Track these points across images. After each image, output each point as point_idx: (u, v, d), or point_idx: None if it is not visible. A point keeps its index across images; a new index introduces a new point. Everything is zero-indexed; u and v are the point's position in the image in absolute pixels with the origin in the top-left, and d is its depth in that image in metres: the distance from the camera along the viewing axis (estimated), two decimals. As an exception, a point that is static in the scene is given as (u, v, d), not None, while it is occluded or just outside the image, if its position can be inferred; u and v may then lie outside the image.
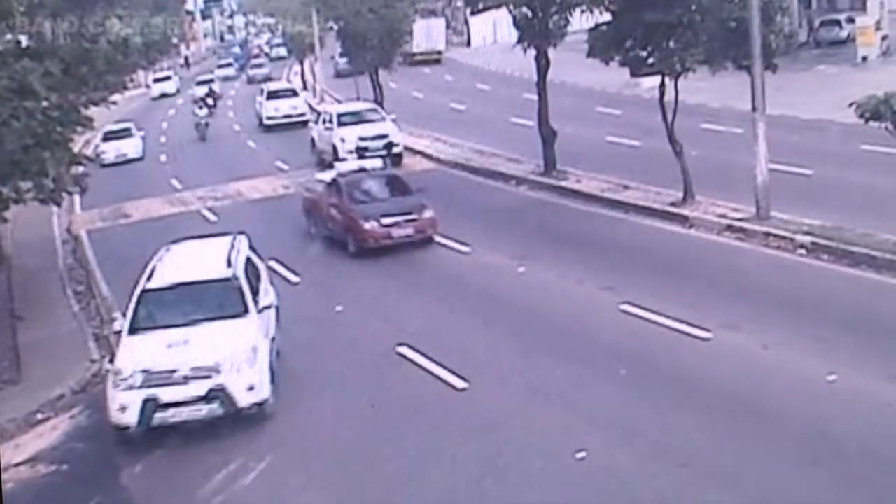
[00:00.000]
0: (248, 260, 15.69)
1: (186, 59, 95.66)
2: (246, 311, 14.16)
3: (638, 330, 15.31)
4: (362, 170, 23.32)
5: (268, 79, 65.25)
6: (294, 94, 47.45)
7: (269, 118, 44.74)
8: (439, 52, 67.49)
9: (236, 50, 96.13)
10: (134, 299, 14.45)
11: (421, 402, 13.85)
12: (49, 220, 29.52)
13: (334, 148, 31.47)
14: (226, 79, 73.08)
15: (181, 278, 14.73)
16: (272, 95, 46.18)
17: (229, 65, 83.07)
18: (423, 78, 57.70)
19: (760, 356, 13.83)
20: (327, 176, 23.66)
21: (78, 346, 17.90)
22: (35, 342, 18.48)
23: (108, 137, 41.73)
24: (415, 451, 12.35)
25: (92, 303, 20.81)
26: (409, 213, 21.22)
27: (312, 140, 34.77)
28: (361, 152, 29.88)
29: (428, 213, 21.33)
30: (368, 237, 20.97)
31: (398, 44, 39.88)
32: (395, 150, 31.36)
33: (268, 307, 14.93)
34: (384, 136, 31.53)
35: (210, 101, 44.65)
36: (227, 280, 14.52)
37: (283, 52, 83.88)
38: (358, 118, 32.80)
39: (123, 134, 42.11)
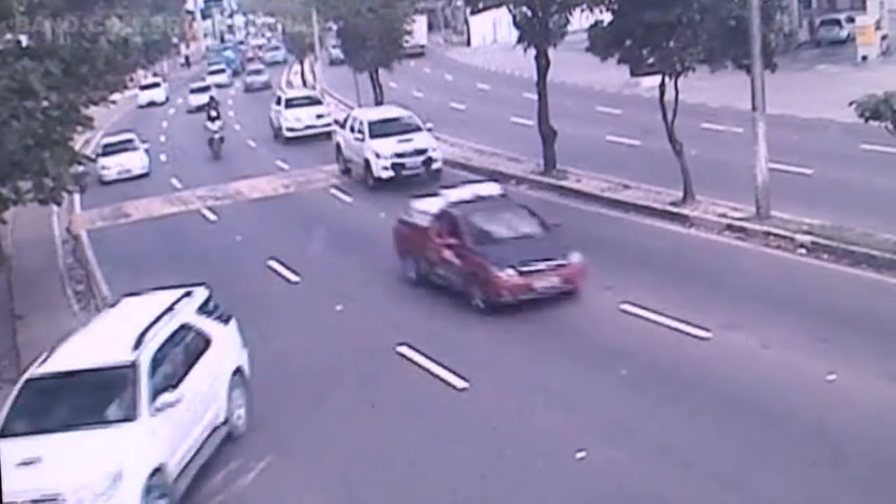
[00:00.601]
0: (186, 329, 12.84)
1: (187, 58, 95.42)
2: (132, 416, 11.16)
3: (638, 330, 15.32)
4: (478, 198, 18.85)
5: (267, 86, 62.08)
6: (317, 101, 41.40)
7: (290, 129, 39.19)
8: (422, 47, 69.04)
9: (228, 53, 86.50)
10: (15, 390, 11.91)
11: (421, 402, 13.86)
12: (49, 220, 29.55)
13: (367, 163, 28.39)
14: (218, 87, 62.78)
15: (72, 363, 11.84)
16: (291, 104, 40.47)
17: (221, 71, 73.27)
18: (423, 77, 57.69)
19: (760, 356, 13.83)
20: (431, 205, 18.89)
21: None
22: (35, 341, 18.41)
23: (107, 151, 36.86)
24: (415, 451, 12.35)
25: (92, 303, 20.80)
26: (554, 259, 16.78)
27: (338, 146, 31.52)
28: (398, 170, 27.63)
29: (576, 258, 16.85)
30: (503, 289, 16.55)
31: (398, 43, 39.61)
32: (435, 166, 27.94)
33: (171, 404, 11.47)
34: (423, 152, 27.94)
35: (214, 112, 39.17)
36: (120, 368, 11.49)
37: (279, 56, 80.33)
38: (392, 128, 28.87)
39: (125, 146, 37.32)
